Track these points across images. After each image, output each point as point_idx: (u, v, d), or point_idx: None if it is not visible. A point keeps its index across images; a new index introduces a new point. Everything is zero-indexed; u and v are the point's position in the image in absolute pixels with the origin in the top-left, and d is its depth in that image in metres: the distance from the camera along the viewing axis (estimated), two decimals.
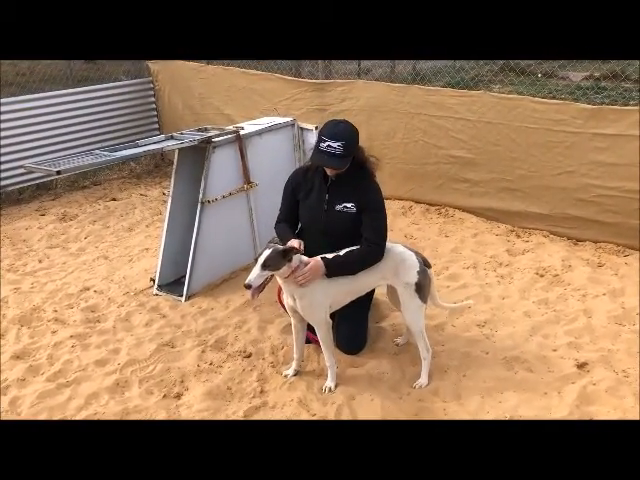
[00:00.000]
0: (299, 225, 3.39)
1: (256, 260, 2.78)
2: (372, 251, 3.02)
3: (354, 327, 3.36)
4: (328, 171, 3.14)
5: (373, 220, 3.08)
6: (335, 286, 2.99)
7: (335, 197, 3.17)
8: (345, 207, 3.14)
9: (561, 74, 9.87)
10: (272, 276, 2.82)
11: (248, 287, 2.73)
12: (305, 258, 2.96)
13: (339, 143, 2.97)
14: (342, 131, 3.02)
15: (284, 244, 3.08)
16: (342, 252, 3.02)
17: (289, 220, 3.33)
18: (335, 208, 3.16)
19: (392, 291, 3.23)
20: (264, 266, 2.73)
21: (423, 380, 3.07)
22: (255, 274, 2.73)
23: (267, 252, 2.76)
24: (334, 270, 2.96)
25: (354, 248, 3.02)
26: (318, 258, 2.96)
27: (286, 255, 2.80)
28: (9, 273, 4.55)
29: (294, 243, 3.02)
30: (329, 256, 2.99)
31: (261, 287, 2.79)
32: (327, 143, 2.98)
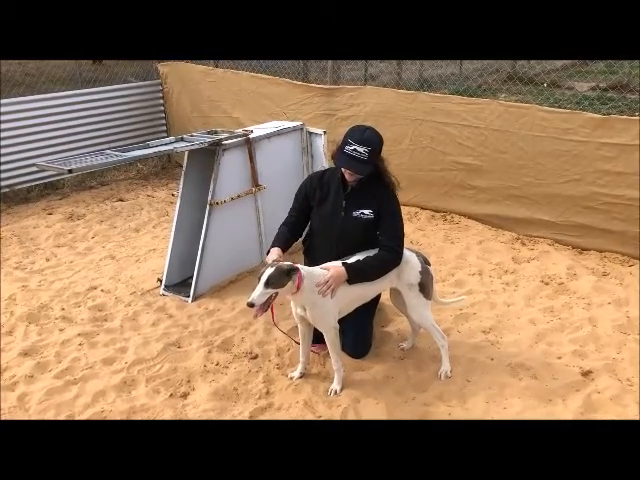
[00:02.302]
0: (306, 230, 3.42)
1: (259, 279, 2.74)
2: (392, 257, 3.05)
3: (359, 332, 3.38)
4: (347, 176, 3.12)
5: (391, 226, 3.10)
6: (345, 293, 3.00)
7: (352, 204, 3.16)
8: (362, 213, 3.13)
9: (567, 84, 9.90)
10: (276, 294, 2.79)
11: (251, 306, 2.68)
12: (323, 266, 2.99)
13: (365, 148, 2.99)
14: (369, 137, 3.03)
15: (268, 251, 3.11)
16: (361, 257, 3.04)
17: (296, 224, 3.35)
18: (352, 214, 3.15)
19: (395, 294, 3.27)
20: (267, 284, 2.70)
21: (446, 366, 3.16)
22: (258, 292, 2.69)
23: (270, 270, 2.73)
24: (356, 276, 2.98)
25: (373, 253, 3.05)
26: (338, 264, 2.98)
27: (290, 273, 2.78)
28: (17, 270, 4.59)
29: (273, 255, 3.03)
30: (349, 261, 3.01)
31: (265, 306, 2.75)
32: (353, 147, 2.99)
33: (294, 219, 3.35)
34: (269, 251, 3.14)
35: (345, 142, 3.04)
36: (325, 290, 2.89)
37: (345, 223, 3.17)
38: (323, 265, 3.01)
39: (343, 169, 3.12)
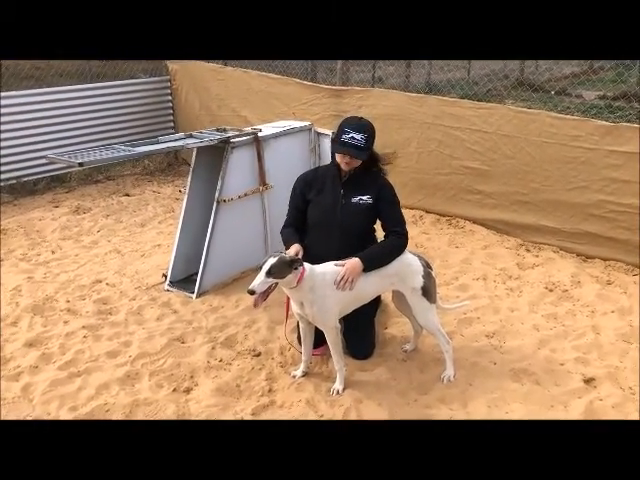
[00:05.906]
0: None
1: (260, 267, 2.76)
2: (402, 241, 3.15)
3: (362, 333, 3.38)
4: (344, 165, 3.17)
5: (394, 212, 3.24)
6: (345, 292, 3.00)
7: (350, 191, 3.23)
8: (361, 199, 3.21)
9: (575, 92, 9.88)
10: (276, 284, 2.80)
11: (251, 293, 2.72)
12: (338, 262, 3.03)
13: (362, 135, 3.08)
14: (364, 125, 3.15)
15: (287, 249, 3.11)
16: (373, 246, 3.16)
17: (297, 223, 3.36)
18: (352, 201, 3.22)
19: (398, 296, 3.27)
20: (268, 273, 2.72)
21: (449, 371, 3.17)
22: (259, 280, 2.72)
23: (273, 259, 2.75)
24: (371, 264, 3.04)
25: (384, 240, 3.18)
26: (353, 258, 3.02)
27: (292, 264, 2.80)
28: (22, 262, 4.61)
29: (292, 250, 3.05)
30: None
31: (265, 294, 2.78)
32: (351, 135, 3.08)
33: (293, 220, 3.37)
34: (287, 248, 3.14)
35: (342, 131, 3.13)
36: (344, 284, 2.94)
37: (346, 210, 3.22)
38: (338, 262, 3.03)
39: (339, 159, 3.18)
